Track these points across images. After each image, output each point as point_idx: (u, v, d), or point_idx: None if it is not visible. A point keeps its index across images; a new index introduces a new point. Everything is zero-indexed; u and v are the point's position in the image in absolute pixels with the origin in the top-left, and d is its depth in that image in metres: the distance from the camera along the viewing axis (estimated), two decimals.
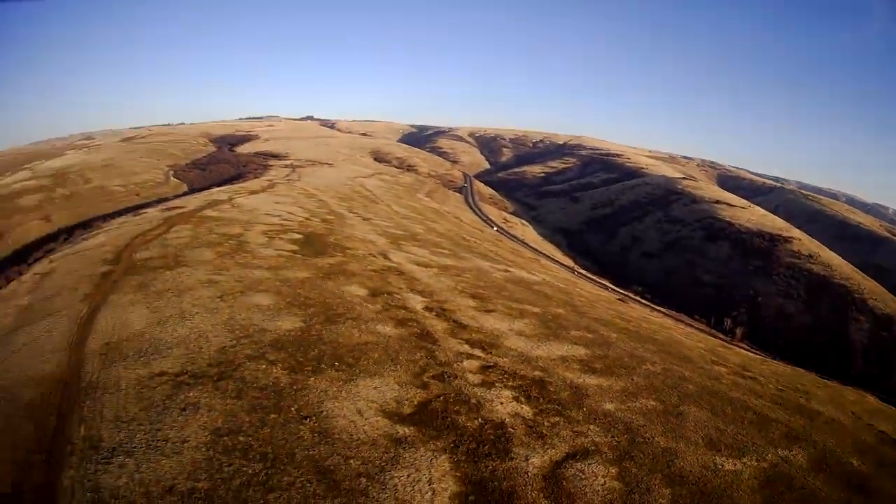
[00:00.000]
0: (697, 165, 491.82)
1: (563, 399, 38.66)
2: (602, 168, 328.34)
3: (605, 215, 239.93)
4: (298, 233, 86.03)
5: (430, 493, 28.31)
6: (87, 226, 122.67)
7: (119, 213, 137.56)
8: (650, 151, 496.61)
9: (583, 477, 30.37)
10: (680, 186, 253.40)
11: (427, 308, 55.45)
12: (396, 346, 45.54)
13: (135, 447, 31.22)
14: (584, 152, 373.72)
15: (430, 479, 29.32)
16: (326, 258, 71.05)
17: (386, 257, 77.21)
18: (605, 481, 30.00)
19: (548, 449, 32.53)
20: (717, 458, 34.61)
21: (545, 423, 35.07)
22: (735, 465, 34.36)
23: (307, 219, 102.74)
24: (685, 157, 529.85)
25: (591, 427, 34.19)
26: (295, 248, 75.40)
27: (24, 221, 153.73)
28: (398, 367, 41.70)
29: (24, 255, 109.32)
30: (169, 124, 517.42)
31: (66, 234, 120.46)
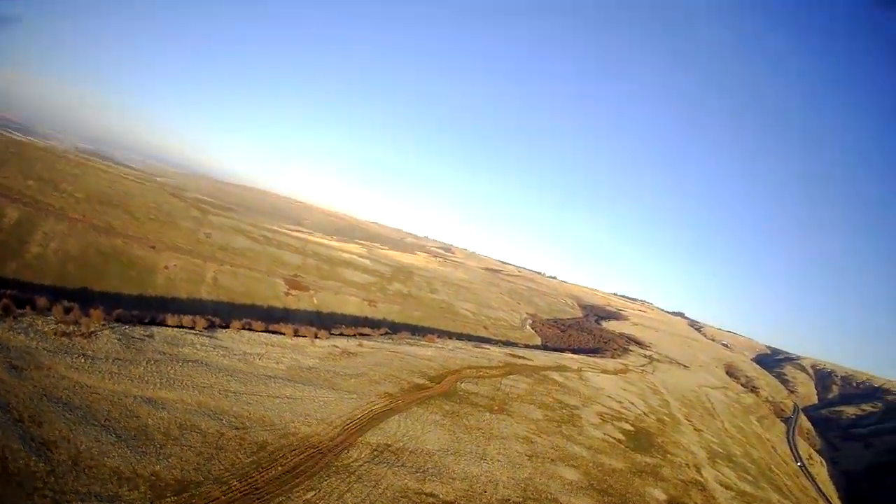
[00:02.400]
0: None
1: None
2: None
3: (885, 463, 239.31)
4: (631, 424, 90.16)
5: None
6: (415, 332, 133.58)
7: (457, 337, 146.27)
8: None
9: None
10: None
11: None
12: None
13: None
14: (890, 398, 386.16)
15: None
16: (646, 456, 74.10)
17: (698, 471, 79.38)
18: None
19: None
20: None
21: None
22: None
23: (644, 414, 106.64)
24: None
25: None
26: (622, 437, 79.40)
27: (342, 292, 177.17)
28: None
29: (328, 322, 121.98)
30: (541, 273, 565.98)
31: (389, 328, 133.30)
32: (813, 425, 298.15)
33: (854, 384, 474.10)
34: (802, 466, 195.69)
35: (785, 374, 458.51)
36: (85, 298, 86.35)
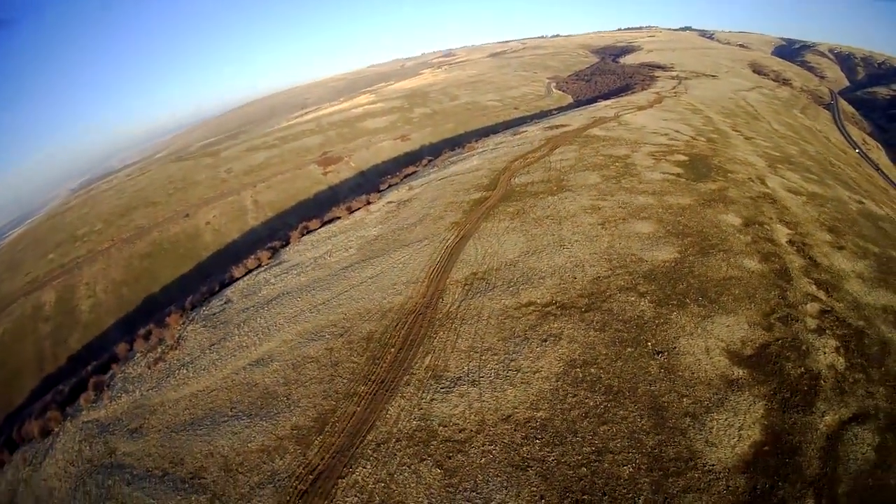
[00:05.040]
0: None
1: (872, 354, 39.92)
2: None
3: None
4: (684, 154, 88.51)
5: (735, 439, 31.94)
6: (455, 144, 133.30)
7: (493, 130, 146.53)
8: None
9: (854, 442, 32.49)
10: None
11: (790, 242, 57.30)
12: (756, 282, 47.58)
13: (482, 377, 37.73)
14: None
15: (742, 424, 32.74)
16: (709, 183, 73.23)
17: (763, 182, 77.88)
18: (866, 451, 31.97)
19: (841, 408, 34.79)
20: None
21: (850, 379, 37.15)
22: None
23: (693, 138, 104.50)
24: None
25: (881, 389, 36.43)
26: (679, 170, 78.24)
27: (372, 143, 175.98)
28: (753, 305, 44.08)
29: (374, 178, 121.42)
30: (543, 37, 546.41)
31: (430, 154, 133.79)
32: (854, 109, 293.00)
33: (876, 65, 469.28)
34: (861, 153, 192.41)
35: (809, 62, 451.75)
36: (154, 309, 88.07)
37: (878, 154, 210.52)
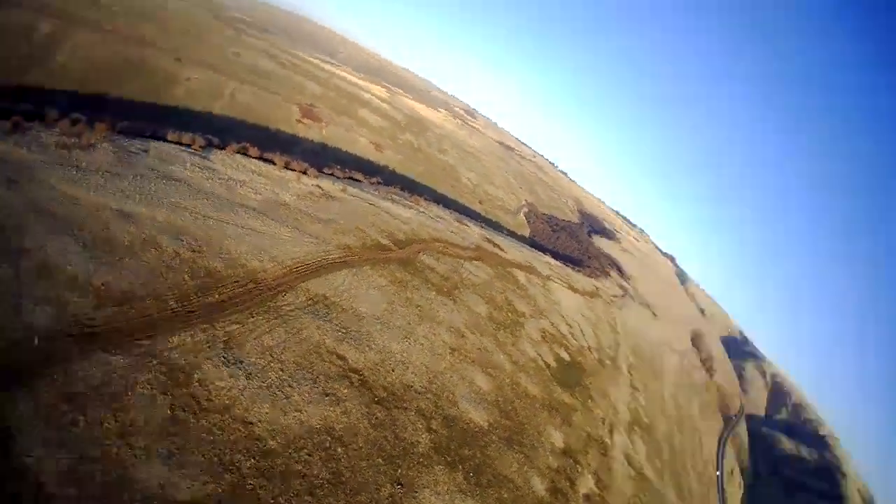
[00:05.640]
0: None
1: None
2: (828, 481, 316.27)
3: None
4: (570, 354, 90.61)
5: None
6: (410, 189, 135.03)
7: (445, 203, 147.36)
8: None
9: None
10: None
11: (587, 496, 58.85)
12: (527, 501, 48.88)
13: (257, 378, 38.58)
14: (828, 455, 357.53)
15: None
16: (566, 394, 75.05)
17: (611, 431, 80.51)
18: None
19: None
20: None
21: None
22: None
23: (590, 348, 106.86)
24: None
25: None
26: (553, 363, 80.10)
27: (353, 130, 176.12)
28: None
29: (330, 158, 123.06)
30: (552, 164, 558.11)
31: (387, 178, 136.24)
32: (749, 438, 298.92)
33: (802, 418, 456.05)
34: (720, 479, 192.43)
35: (744, 371, 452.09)
36: (99, 108, 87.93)
37: (735, 492, 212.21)
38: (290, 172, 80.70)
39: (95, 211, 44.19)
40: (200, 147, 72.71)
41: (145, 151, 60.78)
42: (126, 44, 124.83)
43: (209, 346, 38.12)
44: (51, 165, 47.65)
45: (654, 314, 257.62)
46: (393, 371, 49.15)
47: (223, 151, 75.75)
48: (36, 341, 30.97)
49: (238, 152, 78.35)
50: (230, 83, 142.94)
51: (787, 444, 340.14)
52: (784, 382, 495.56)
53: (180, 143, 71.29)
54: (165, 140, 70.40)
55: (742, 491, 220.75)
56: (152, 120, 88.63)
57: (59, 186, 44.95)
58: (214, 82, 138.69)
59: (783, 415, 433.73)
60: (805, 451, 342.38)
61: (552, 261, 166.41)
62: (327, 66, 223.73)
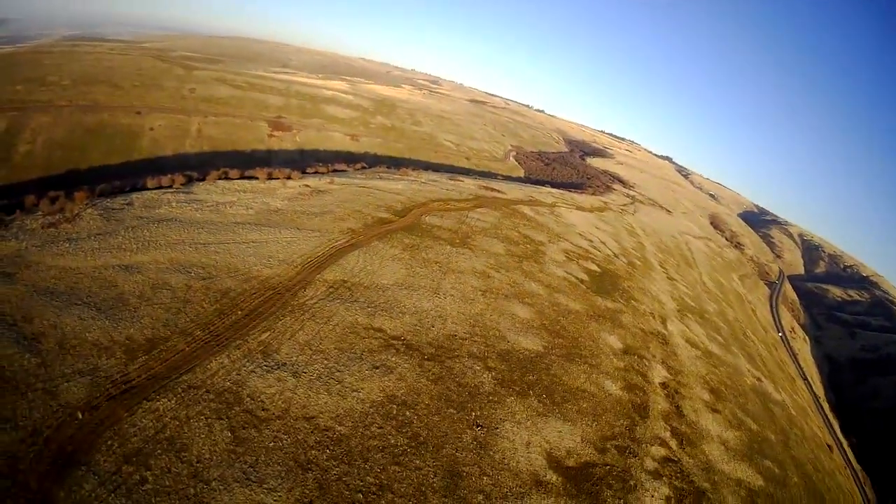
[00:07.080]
0: None
1: None
2: (884, 314, 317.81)
3: (869, 360, 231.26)
4: (598, 265, 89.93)
5: None
6: (395, 164, 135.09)
7: (434, 168, 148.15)
8: None
9: None
10: None
11: (663, 384, 58.74)
12: (608, 405, 48.94)
13: (305, 372, 38.57)
14: (878, 292, 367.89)
15: None
16: (608, 300, 74.57)
17: (663, 322, 79.53)
18: None
19: None
20: None
21: None
22: None
23: (615, 255, 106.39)
24: None
25: None
26: (585, 277, 79.74)
27: (325, 129, 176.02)
28: (595, 424, 45.41)
29: (311, 160, 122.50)
30: (528, 106, 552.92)
31: (371, 162, 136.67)
32: (799, 297, 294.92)
33: (842, 266, 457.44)
34: (784, 338, 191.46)
35: (771, 237, 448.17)
36: (73, 182, 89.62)
37: (803, 346, 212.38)
38: (274, 181, 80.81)
39: (98, 274, 44.06)
40: (181, 184, 73.03)
41: (129, 204, 60.68)
42: (83, 113, 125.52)
43: (248, 360, 37.86)
44: (42, 246, 47.49)
45: (668, 210, 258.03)
46: (433, 327, 48.78)
47: (204, 182, 75.91)
48: (80, 416, 30.60)
49: (220, 178, 78.67)
50: (193, 119, 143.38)
51: (836, 292, 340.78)
52: (813, 238, 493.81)
53: (161, 187, 71.76)
54: (146, 189, 70.66)
55: (809, 344, 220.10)
56: (128, 175, 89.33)
57: (56, 263, 44.82)
58: (178, 123, 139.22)
59: (821, 268, 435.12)
60: (855, 294, 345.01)
61: (554, 190, 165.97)
62: (283, 76, 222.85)
